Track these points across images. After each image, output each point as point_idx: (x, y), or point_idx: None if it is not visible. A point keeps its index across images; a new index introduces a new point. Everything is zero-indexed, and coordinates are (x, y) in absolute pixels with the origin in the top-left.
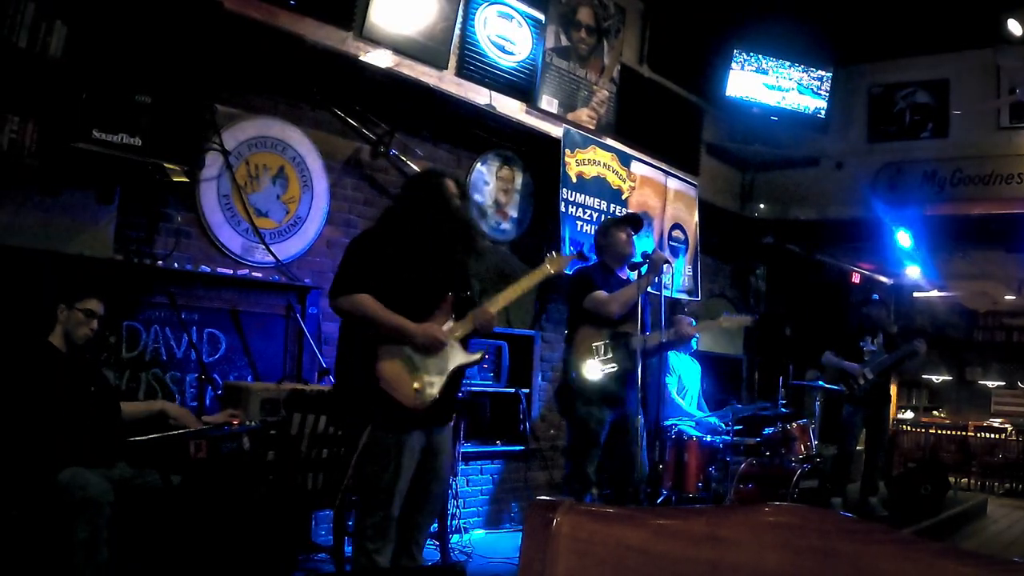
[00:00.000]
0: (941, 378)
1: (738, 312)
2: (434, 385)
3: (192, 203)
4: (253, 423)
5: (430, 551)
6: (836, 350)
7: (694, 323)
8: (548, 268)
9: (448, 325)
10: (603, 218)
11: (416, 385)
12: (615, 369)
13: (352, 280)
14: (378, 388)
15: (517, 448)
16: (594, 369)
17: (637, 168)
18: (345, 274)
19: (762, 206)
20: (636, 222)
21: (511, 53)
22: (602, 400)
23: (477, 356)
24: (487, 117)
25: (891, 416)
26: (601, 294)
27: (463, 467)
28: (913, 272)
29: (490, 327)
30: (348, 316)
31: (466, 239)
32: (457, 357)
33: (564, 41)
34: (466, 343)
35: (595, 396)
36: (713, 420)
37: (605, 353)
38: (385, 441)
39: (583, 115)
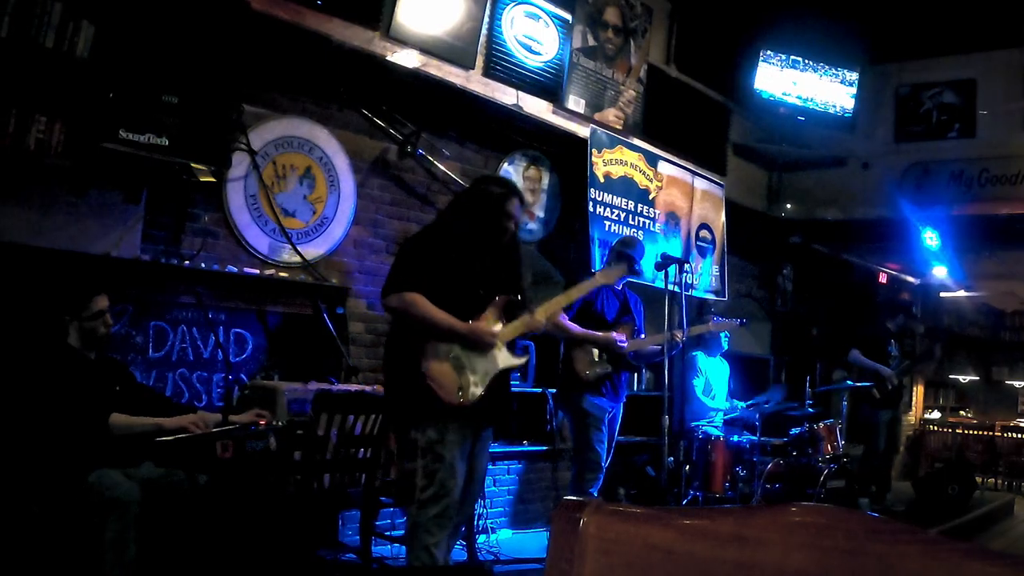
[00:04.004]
0: (968, 378)
1: (763, 311)
2: (478, 385)
3: (219, 203)
4: (280, 423)
5: (457, 551)
6: (863, 350)
7: (686, 329)
8: (598, 279)
9: (498, 327)
10: (631, 218)
11: (461, 384)
12: (609, 370)
13: (403, 279)
14: (423, 385)
15: (544, 448)
16: (592, 370)
17: (664, 168)
18: (397, 273)
19: (789, 206)
20: (631, 262)
21: (538, 53)
22: (602, 392)
23: (523, 359)
24: (514, 117)
25: (917, 416)
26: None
27: (490, 467)
28: (940, 272)
29: (538, 331)
30: (398, 314)
31: (512, 250)
32: (503, 359)
33: (591, 41)
34: (512, 346)
35: (596, 388)
36: (740, 406)
37: (601, 356)
38: (435, 436)
39: (610, 115)
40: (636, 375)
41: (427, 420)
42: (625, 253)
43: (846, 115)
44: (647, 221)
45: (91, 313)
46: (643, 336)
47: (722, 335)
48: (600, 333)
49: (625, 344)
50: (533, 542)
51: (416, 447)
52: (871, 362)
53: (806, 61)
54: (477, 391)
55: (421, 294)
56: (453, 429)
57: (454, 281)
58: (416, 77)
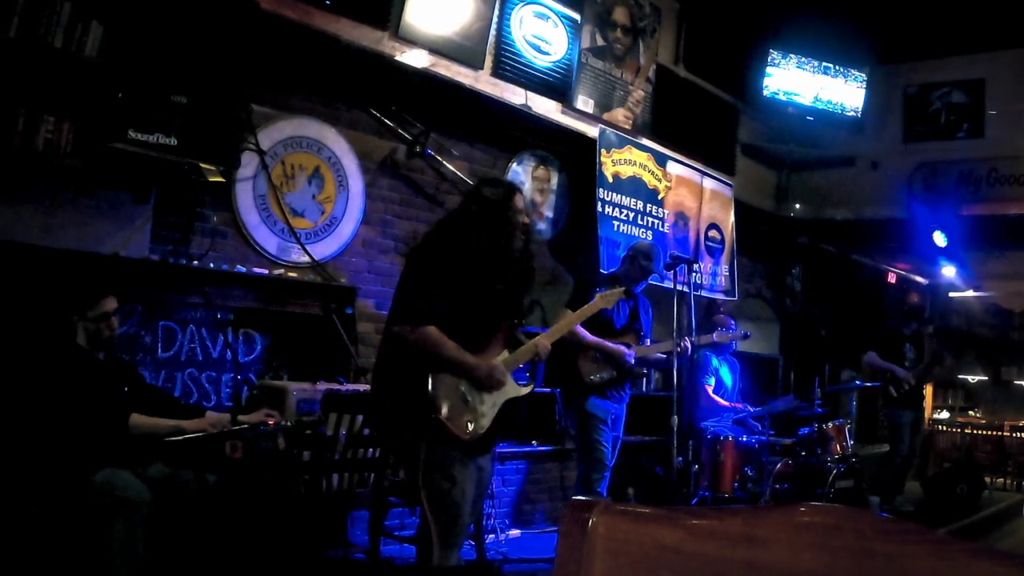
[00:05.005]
0: (977, 378)
1: (772, 311)
2: (486, 417)
3: (228, 203)
4: (289, 423)
5: (466, 551)
6: (879, 352)
7: (693, 339)
8: (599, 303)
9: (504, 356)
10: (640, 218)
11: (469, 418)
12: (615, 375)
13: (421, 311)
14: (434, 419)
15: (552, 448)
16: (597, 374)
17: (673, 168)
18: (414, 302)
19: (798, 206)
20: (652, 272)
21: (547, 53)
22: (606, 395)
23: (527, 389)
24: (523, 117)
25: (926, 416)
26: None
27: (498, 467)
28: (949, 272)
29: (543, 359)
30: (409, 344)
31: (527, 266)
32: (510, 390)
33: (600, 41)
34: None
35: (600, 391)
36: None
37: (604, 361)
38: (448, 456)
39: (619, 115)
40: (644, 378)
41: (437, 441)
42: (650, 269)
43: (855, 115)
44: (656, 221)
45: (96, 314)
46: (648, 342)
47: None
48: (611, 345)
49: (633, 358)
50: (541, 542)
51: (429, 465)
52: (887, 364)
53: (815, 61)
54: (484, 423)
55: (436, 325)
56: (462, 452)
57: (465, 309)
58: (425, 77)
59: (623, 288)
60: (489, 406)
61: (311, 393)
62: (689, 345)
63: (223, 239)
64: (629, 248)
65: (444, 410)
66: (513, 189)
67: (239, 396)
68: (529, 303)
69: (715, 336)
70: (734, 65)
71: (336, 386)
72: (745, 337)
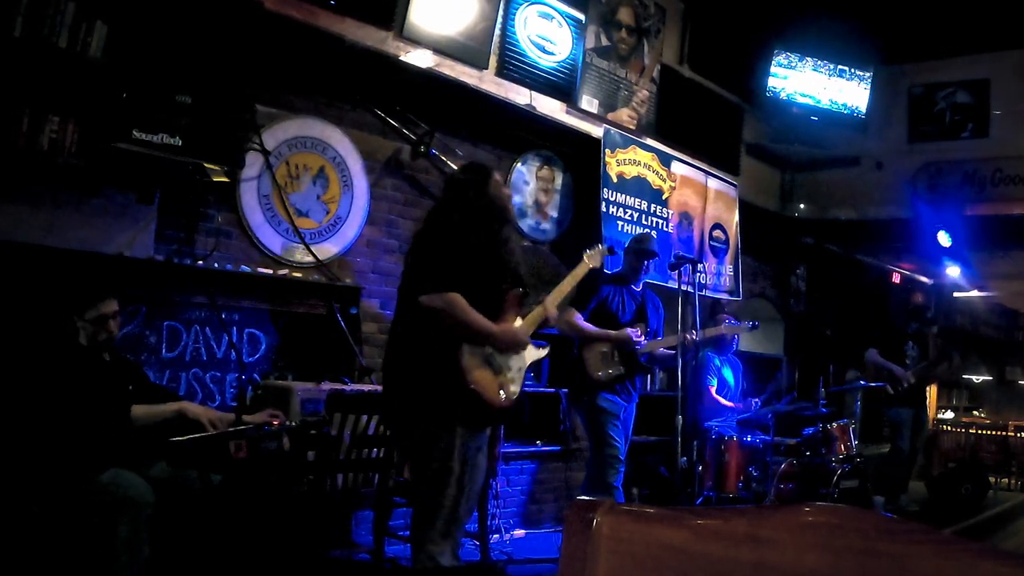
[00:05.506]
0: (981, 378)
1: (777, 311)
2: (515, 382)
3: (232, 203)
4: (293, 423)
5: (470, 551)
6: (880, 350)
7: (699, 331)
8: (588, 263)
9: (518, 322)
10: (644, 218)
11: (502, 385)
12: (622, 371)
13: (446, 279)
14: (468, 390)
15: (557, 448)
16: (604, 371)
17: (677, 168)
18: (438, 271)
19: (802, 206)
20: (651, 255)
21: (551, 53)
22: (616, 389)
23: (545, 351)
24: (527, 117)
25: (931, 416)
26: (571, 314)
27: (503, 467)
28: (953, 272)
29: (551, 321)
30: (437, 314)
31: (512, 233)
32: (530, 353)
33: (604, 41)
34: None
35: (609, 387)
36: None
37: (613, 358)
38: (461, 445)
39: (623, 115)
40: (649, 376)
41: (455, 428)
42: (644, 249)
43: (859, 115)
44: (660, 221)
45: (93, 316)
46: (659, 339)
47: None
48: (615, 332)
49: (640, 339)
50: (546, 542)
51: (438, 454)
52: (886, 362)
53: (819, 61)
54: (515, 388)
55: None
56: (479, 436)
57: (479, 280)
58: (429, 77)
59: (609, 246)
60: (516, 371)
61: (315, 393)
62: (696, 338)
63: (227, 239)
64: (633, 244)
65: (476, 379)
66: (489, 168)
67: (244, 396)
68: (533, 301)
69: (723, 328)
70: (739, 65)
71: (340, 386)
72: (754, 327)
